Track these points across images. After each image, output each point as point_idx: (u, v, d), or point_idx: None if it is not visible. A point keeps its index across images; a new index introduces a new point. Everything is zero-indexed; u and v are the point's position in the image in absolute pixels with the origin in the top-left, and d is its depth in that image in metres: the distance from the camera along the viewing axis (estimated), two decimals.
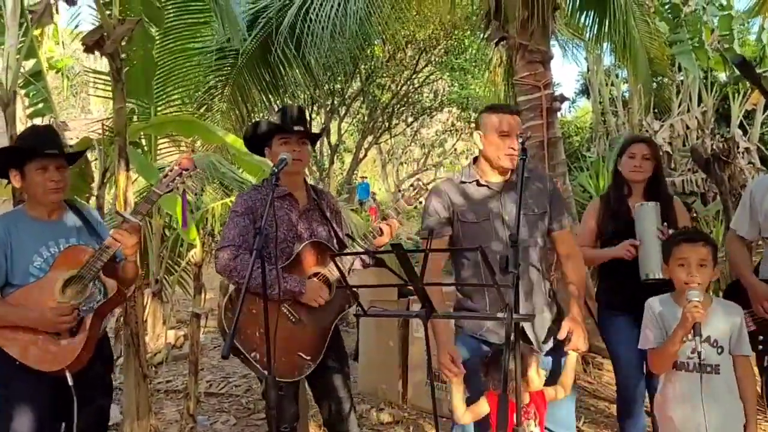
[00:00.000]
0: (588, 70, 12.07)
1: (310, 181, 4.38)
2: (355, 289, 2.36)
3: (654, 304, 2.48)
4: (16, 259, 2.41)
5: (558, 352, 2.52)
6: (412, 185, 2.85)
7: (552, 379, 2.41)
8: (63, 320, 2.35)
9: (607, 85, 11.95)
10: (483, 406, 2.37)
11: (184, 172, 2.52)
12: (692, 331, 2.19)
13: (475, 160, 2.63)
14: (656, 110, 11.29)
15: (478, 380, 2.44)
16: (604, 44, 6.94)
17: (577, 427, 3.98)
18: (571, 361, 2.48)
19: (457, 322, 2.68)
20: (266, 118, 2.84)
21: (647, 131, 9.52)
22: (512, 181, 2.50)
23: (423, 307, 1.98)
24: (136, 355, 3.30)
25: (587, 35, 6.65)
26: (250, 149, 2.93)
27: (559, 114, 5.31)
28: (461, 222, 2.53)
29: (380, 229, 2.76)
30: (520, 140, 2.27)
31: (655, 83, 10.37)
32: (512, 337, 1.71)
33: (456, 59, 13.44)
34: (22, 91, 5.46)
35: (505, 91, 6.75)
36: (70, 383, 2.37)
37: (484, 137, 2.52)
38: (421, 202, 2.81)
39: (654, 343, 2.42)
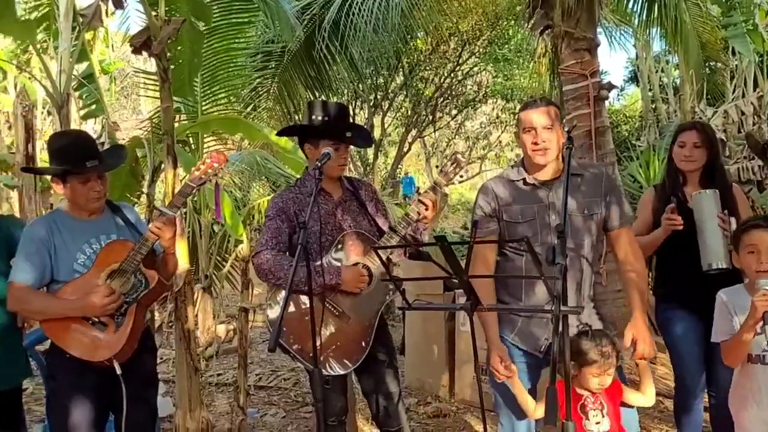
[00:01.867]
0: (636, 57, 11.76)
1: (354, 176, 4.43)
2: (398, 281, 2.34)
3: (724, 294, 2.38)
4: (61, 257, 2.48)
5: None
6: (450, 160, 2.77)
7: None
8: (108, 302, 2.41)
9: (656, 71, 11.62)
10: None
11: (215, 165, 2.57)
12: (762, 322, 2.07)
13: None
14: (709, 96, 10.92)
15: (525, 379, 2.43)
16: (654, 30, 6.76)
17: None
18: (643, 368, 2.42)
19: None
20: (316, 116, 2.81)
21: (700, 118, 9.22)
22: (560, 178, 2.43)
23: (468, 299, 1.96)
24: (187, 349, 3.37)
25: (635, 21, 6.48)
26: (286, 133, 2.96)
27: (607, 102, 5.20)
28: (506, 222, 2.50)
29: (418, 210, 2.68)
30: (566, 129, 2.23)
31: (707, 68, 10.03)
32: (560, 329, 1.69)
33: (500, 50, 13.27)
34: (76, 93, 5.65)
35: (551, 81, 6.63)
36: (119, 372, 2.43)
37: (519, 136, 2.51)
38: (461, 176, 2.78)
39: (725, 335, 2.31)
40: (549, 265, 1.74)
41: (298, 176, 3.13)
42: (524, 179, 2.50)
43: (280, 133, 3.38)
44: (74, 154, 2.48)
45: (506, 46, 13.17)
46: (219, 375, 5.38)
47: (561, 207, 2.18)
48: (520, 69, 13.80)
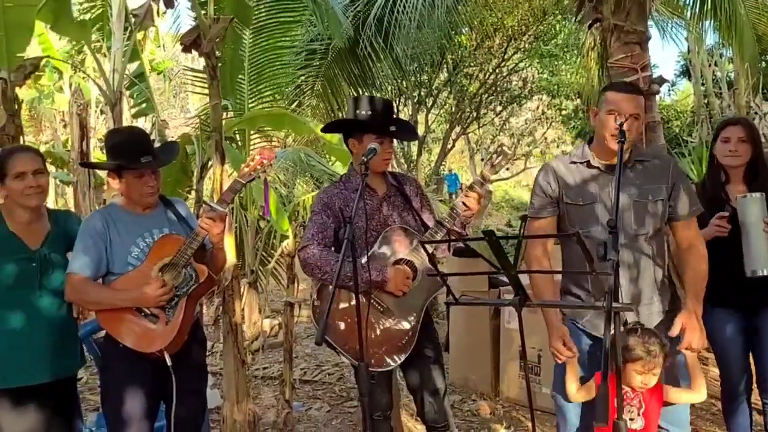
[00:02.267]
0: (688, 50, 11.45)
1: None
2: (444, 276, 2.33)
3: None
4: (116, 250, 2.55)
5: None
6: (496, 152, 2.73)
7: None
8: (161, 293, 2.47)
9: (709, 65, 11.29)
10: (593, 388, 2.31)
11: (264, 161, 2.60)
12: None
13: (591, 140, 2.53)
14: (765, 91, 10.56)
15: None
16: (707, 22, 6.56)
17: None
18: (692, 362, 2.35)
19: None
20: (360, 111, 2.82)
21: (755, 113, 8.93)
22: (625, 164, 2.35)
23: (516, 295, 1.94)
24: (234, 342, 3.43)
25: (688, 13, 6.31)
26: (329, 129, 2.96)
27: (657, 97, 5.07)
28: (566, 203, 2.45)
29: (463, 203, 2.67)
30: (618, 122, 2.17)
31: (763, 62, 9.71)
32: (612, 327, 1.65)
33: (545, 45, 13.07)
34: (127, 92, 5.79)
35: (599, 75, 6.51)
36: (169, 363, 2.49)
37: (597, 115, 2.43)
38: (507, 169, 2.75)
39: None
40: (600, 262, 1.70)
41: (342, 173, 3.15)
42: (588, 161, 2.45)
43: (324, 129, 3.40)
44: (129, 150, 2.55)
45: (552, 41, 12.96)
46: (265, 369, 5.46)
47: (620, 200, 2.12)
48: (566, 64, 13.57)
